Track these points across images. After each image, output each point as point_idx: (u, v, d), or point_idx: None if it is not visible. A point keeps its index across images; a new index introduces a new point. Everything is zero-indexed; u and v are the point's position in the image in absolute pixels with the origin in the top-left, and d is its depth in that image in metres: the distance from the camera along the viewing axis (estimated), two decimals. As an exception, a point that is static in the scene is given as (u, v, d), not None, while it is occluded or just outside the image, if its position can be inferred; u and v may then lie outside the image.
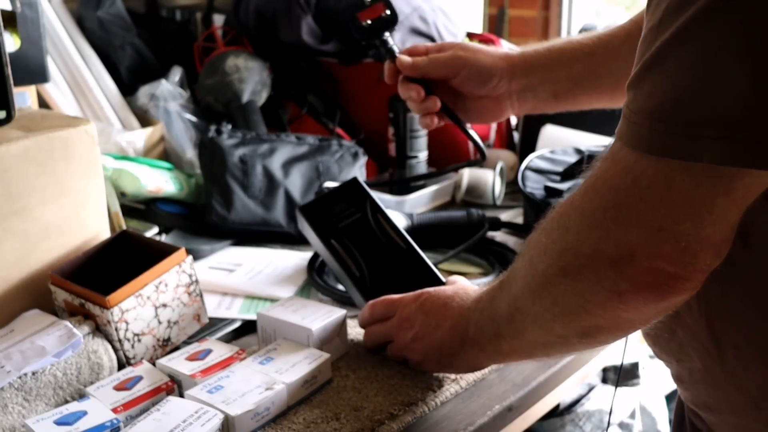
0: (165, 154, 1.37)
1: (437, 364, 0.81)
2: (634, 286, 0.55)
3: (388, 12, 0.95)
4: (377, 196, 1.20)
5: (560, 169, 1.19)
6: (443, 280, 0.90)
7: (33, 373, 0.75)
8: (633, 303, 0.56)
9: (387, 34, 0.95)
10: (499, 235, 1.18)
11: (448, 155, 1.40)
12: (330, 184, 1.08)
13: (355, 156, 1.28)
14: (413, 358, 0.83)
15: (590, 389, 1.52)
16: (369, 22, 0.95)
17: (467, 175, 1.37)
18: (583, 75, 0.92)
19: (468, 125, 0.99)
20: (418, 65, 0.93)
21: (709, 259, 0.53)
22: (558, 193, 1.09)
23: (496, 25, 2.58)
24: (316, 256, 1.08)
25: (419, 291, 0.83)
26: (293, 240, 1.17)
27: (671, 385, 1.85)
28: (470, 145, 1.45)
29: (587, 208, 0.57)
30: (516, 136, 1.54)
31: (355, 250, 0.94)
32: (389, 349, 0.85)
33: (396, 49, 0.94)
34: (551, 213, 0.62)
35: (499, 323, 0.71)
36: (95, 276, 0.86)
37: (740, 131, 0.47)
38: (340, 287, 1.01)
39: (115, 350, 0.83)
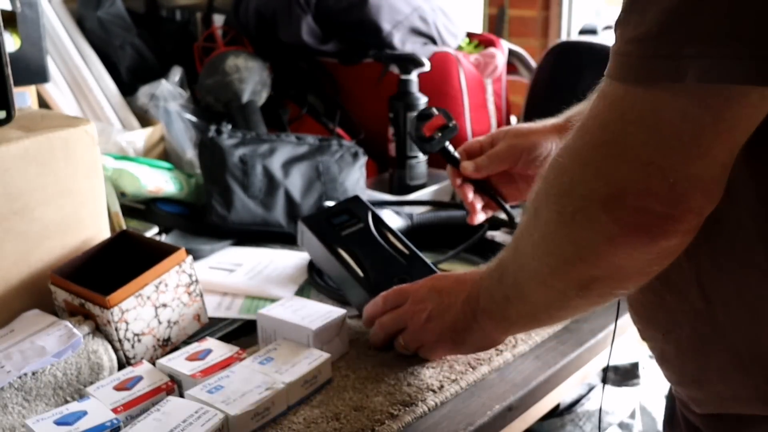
0: (165, 154, 1.37)
1: (452, 342, 0.82)
2: (624, 228, 0.55)
3: (450, 123, 0.98)
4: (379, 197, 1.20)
5: (560, 169, 1.19)
6: None
7: (33, 373, 0.75)
8: (624, 247, 0.56)
9: (448, 142, 0.98)
10: (499, 235, 1.18)
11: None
12: (330, 204, 1.09)
13: (355, 156, 1.28)
14: (427, 340, 0.83)
15: (590, 389, 1.52)
16: (438, 134, 0.97)
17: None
18: None
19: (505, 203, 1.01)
20: (480, 168, 0.95)
21: (699, 199, 0.54)
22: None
23: (496, 25, 2.58)
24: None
25: (430, 275, 0.85)
26: (293, 240, 1.17)
27: (671, 385, 1.84)
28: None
29: (579, 147, 0.57)
30: (516, 136, 1.54)
31: (359, 255, 0.94)
32: (402, 336, 0.85)
33: (458, 155, 0.98)
34: (550, 160, 0.62)
35: (506, 286, 0.72)
36: (95, 276, 0.86)
37: (725, 46, 0.48)
38: (341, 287, 1.01)
39: (115, 350, 0.83)
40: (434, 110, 0.98)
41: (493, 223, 1.15)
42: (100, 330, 0.83)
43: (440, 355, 0.85)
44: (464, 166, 0.96)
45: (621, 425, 1.53)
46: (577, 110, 0.94)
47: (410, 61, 1.33)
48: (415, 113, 1.31)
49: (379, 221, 0.99)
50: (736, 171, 0.54)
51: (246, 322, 0.96)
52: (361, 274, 0.92)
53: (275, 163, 1.22)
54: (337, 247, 0.96)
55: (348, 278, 0.93)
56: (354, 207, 1.01)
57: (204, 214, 1.19)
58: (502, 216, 1.03)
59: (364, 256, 0.94)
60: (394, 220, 1.10)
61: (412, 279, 0.90)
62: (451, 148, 0.98)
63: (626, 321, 0.99)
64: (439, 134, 0.97)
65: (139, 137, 1.33)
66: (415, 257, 0.94)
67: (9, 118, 0.87)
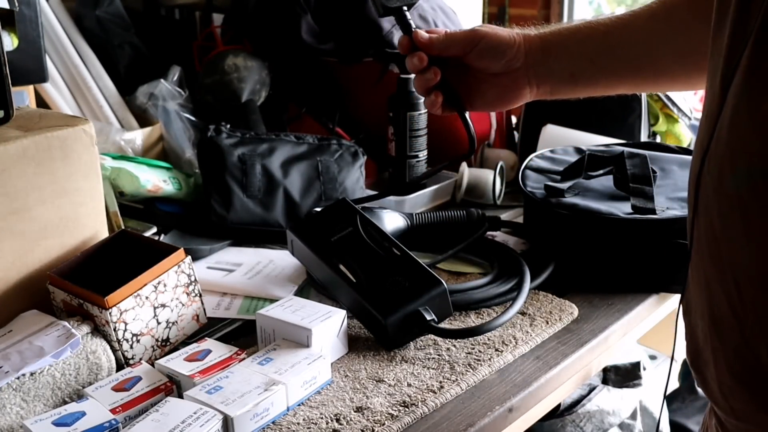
0: (164, 153, 1.37)
1: None
2: None
3: None
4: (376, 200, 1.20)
5: (561, 168, 1.19)
6: (441, 281, 0.90)
7: (31, 374, 0.75)
8: None
9: (405, 7, 0.94)
10: (499, 235, 1.18)
11: (449, 155, 1.39)
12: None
13: (355, 155, 1.28)
14: None
15: (591, 390, 1.52)
16: None
17: (467, 174, 1.37)
18: (599, 53, 0.89)
19: (467, 113, 0.96)
20: (434, 41, 0.92)
21: None
22: (559, 192, 1.09)
23: (496, 23, 2.58)
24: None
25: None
26: (293, 240, 1.17)
27: (672, 385, 1.85)
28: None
29: None
30: (516, 135, 1.54)
31: (350, 259, 0.94)
32: None
33: (413, 24, 0.93)
34: None
35: None
36: (94, 276, 0.86)
37: None
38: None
39: (114, 351, 0.83)
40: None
41: (493, 223, 1.15)
42: (98, 330, 0.82)
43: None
44: (418, 33, 0.92)
45: (622, 426, 1.53)
46: (548, 28, 0.92)
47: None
48: (414, 112, 1.31)
49: (368, 224, 0.98)
50: None
51: (245, 322, 0.96)
52: (353, 279, 0.92)
53: (274, 163, 1.22)
54: (327, 253, 0.96)
55: (340, 284, 0.93)
56: (342, 211, 1.00)
57: (203, 214, 1.19)
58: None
59: (355, 260, 0.94)
60: (393, 220, 1.10)
61: (405, 281, 0.90)
62: (408, 14, 0.94)
63: (626, 321, 0.99)
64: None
65: (138, 137, 1.33)
66: (408, 258, 0.93)
67: (7, 118, 0.87)
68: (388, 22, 1.43)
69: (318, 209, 1.06)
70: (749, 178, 0.56)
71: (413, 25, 0.94)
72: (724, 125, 0.59)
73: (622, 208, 1.04)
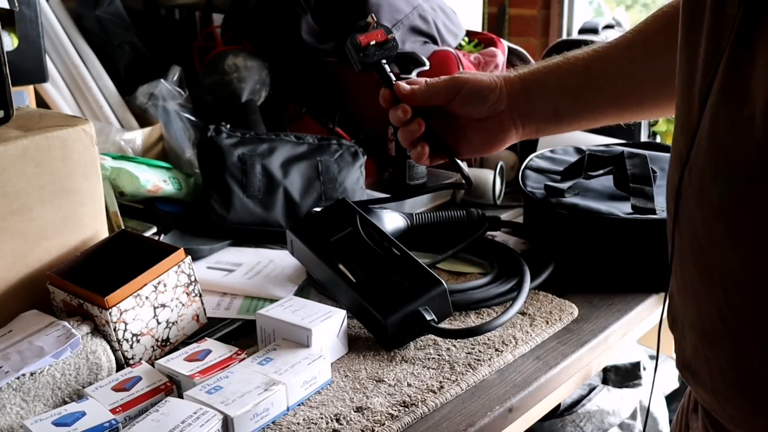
0: (164, 153, 1.37)
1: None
2: None
3: (389, 36, 0.93)
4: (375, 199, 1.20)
5: (561, 168, 1.19)
6: (441, 281, 0.90)
7: (31, 374, 0.75)
8: None
9: (384, 61, 0.94)
10: (499, 235, 1.18)
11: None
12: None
13: (355, 155, 1.27)
14: None
15: (591, 390, 1.52)
16: (371, 43, 0.93)
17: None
18: (581, 88, 0.90)
19: (455, 155, 0.95)
20: (416, 92, 0.91)
21: None
22: (559, 192, 1.09)
23: (496, 23, 2.58)
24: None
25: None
26: (293, 240, 1.17)
27: (672, 385, 1.85)
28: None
29: None
30: (516, 135, 1.53)
31: (350, 259, 0.94)
32: None
33: (393, 76, 0.93)
34: None
35: None
36: (94, 276, 0.86)
37: None
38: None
39: (114, 351, 0.83)
40: (373, 21, 0.93)
41: (493, 223, 1.15)
42: (98, 330, 0.82)
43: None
44: (399, 86, 0.91)
45: (622, 426, 1.53)
46: (527, 67, 0.92)
47: (410, 60, 1.33)
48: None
49: (367, 224, 0.98)
50: None
51: (245, 322, 0.96)
52: (353, 279, 0.92)
53: (274, 163, 1.22)
54: (327, 253, 0.95)
55: (340, 284, 0.93)
56: (341, 211, 1.00)
57: (203, 214, 1.19)
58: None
59: (355, 260, 0.93)
60: (393, 220, 1.10)
61: (405, 281, 0.90)
62: (387, 67, 0.93)
63: (626, 321, 0.99)
64: (375, 45, 0.92)
65: (138, 137, 1.33)
66: (407, 258, 0.93)
67: (7, 118, 0.87)
68: (387, 22, 1.43)
69: (317, 209, 1.06)
70: (733, 185, 0.57)
71: (393, 78, 0.93)
72: (704, 137, 0.59)
73: (622, 208, 1.04)
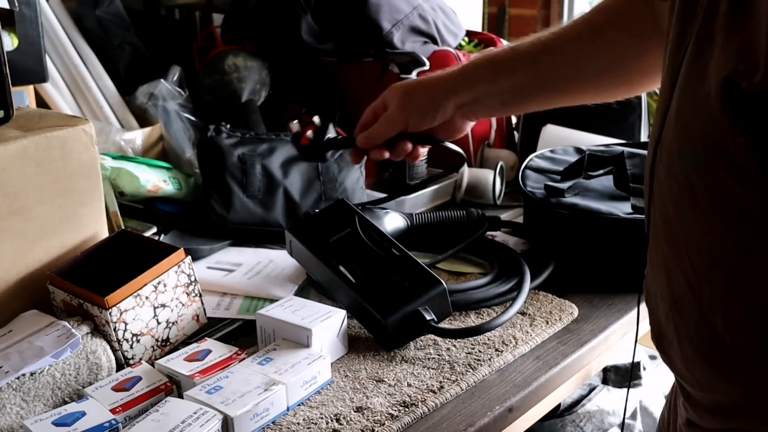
0: (164, 153, 1.37)
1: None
2: None
3: (316, 123, 1.02)
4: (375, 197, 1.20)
5: (561, 168, 1.19)
6: (440, 280, 0.90)
7: (31, 374, 0.75)
8: None
9: (330, 134, 1.02)
10: (499, 235, 1.18)
11: (448, 155, 1.39)
12: (332, 131, 1.08)
13: (355, 155, 1.27)
14: None
15: (591, 390, 1.52)
16: (309, 135, 1.02)
17: (467, 174, 1.37)
18: (528, 84, 0.95)
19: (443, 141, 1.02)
20: (373, 137, 0.98)
21: None
22: (559, 192, 1.09)
23: (496, 23, 2.58)
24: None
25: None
26: (293, 240, 1.17)
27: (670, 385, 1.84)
28: (470, 145, 1.45)
29: None
30: (516, 135, 1.53)
31: (349, 260, 0.94)
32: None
33: (341, 138, 1.01)
34: None
35: None
36: (94, 276, 0.85)
37: None
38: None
39: (114, 351, 0.83)
40: (294, 124, 1.03)
41: (493, 223, 1.15)
42: (98, 330, 0.82)
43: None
44: (359, 140, 0.98)
45: (622, 426, 1.53)
46: (474, 61, 0.96)
47: (410, 60, 1.33)
48: None
49: (366, 224, 0.98)
50: None
51: (245, 322, 0.96)
52: (353, 279, 0.92)
53: (274, 163, 1.22)
54: (326, 254, 0.95)
55: (340, 284, 0.93)
56: (340, 212, 1.00)
57: (203, 214, 1.19)
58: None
59: (354, 261, 0.93)
60: (393, 220, 1.10)
61: (405, 281, 0.90)
62: (332, 134, 1.01)
63: (627, 322, 0.99)
64: (314, 136, 1.01)
65: (138, 137, 1.33)
66: (407, 258, 0.93)
67: (7, 118, 0.87)
68: (387, 22, 1.43)
69: (314, 210, 1.07)
70: (693, 160, 0.60)
71: (351, 137, 1.00)
72: (672, 116, 0.63)
73: (622, 208, 1.04)
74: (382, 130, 0.98)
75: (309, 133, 1.02)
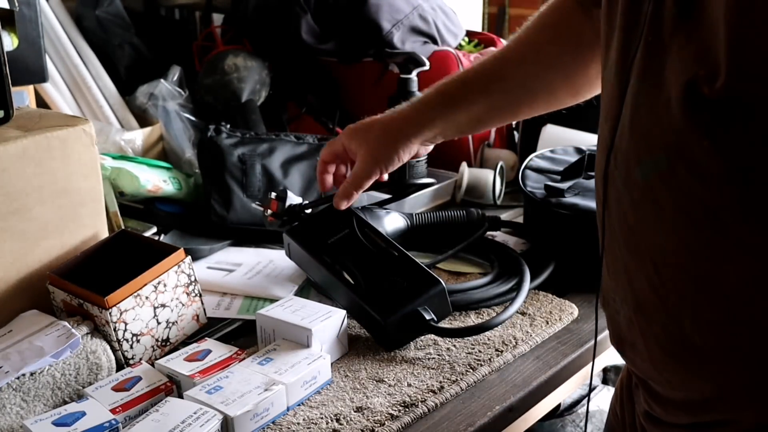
0: (164, 153, 1.37)
1: None
2: None
3: (278, 201, 1.05)
4: (376, 195, 1.20)
5: (561, 168, 1.19)
6: (439, 280, 0.90)
7: (31, 374, 0.75)
8: None
9: (296, 207, 1.04)
10: (499, 235, 1.18)
11: (448, 154, 1.39)
12: (292, 196, 1.09)
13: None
14: None
15: (591, 390, 1.52)
16: (275, 212, 1.05)
17: (467, 174, 1.37)
18: (483, 113, 0.97)
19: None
20: (351, 198, 0.99)
21: None
22: (559, 192, 1.09)
23: (496, 23, 2.58)
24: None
25: None
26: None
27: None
28: (470, 145, 1.45)
29: None
30: (516, 135, 1.53)
31: (347, 261, 0.94)
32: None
33: (313, 209, 1.04)
34: None
35: None
36: (94, 276, 0.85)
37: None
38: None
39: (114, 351, 0.83)
40: (263, 207, 1.06)
41: (493, 223, 1.15)
42: (98, 330, 0.82)
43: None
44: (339, 204, 0.99)
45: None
46: (425, 101, 0.96)
47: (410, 60, 1.33)
48: None
49: (364, 225, 0.98)
50: None
51: (245, 322, 0.96)
52: (351, 281, 0.92)
53: (274, 163, 1.22)
54: (324, 256, 0.95)
55: (339, 286, 0.93)
56: (338, 213, 1.01)
57: (203, 214, 1.19)
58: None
59: (352, 262, 0.93)
60: (393, 220, 1.10)
61: (403, 281, 0.90)
62: (295, 200, 1.05)
63: (627, 321, 0.99)
64: (279, 211, 1.04)
65: (138, 137, 1.33)
66: (405, 258, 0.93)
67: (7, 118, 0.87)
68: (387, 22, 1.43)
69: (309, 208, 1.07)
70: (655, 167, 0.61)
71: (328, 203, 1.02)
72: (626, 123, 0.64)
73: (622, 208, 1.04)
74: (360, 184, 0.98)
75: (271, 211, 1.06)
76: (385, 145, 0.96)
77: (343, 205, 0.99)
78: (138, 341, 0.84)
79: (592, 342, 0.93)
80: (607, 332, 0.95)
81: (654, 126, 0.60)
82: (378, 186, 1.04)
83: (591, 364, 0.88)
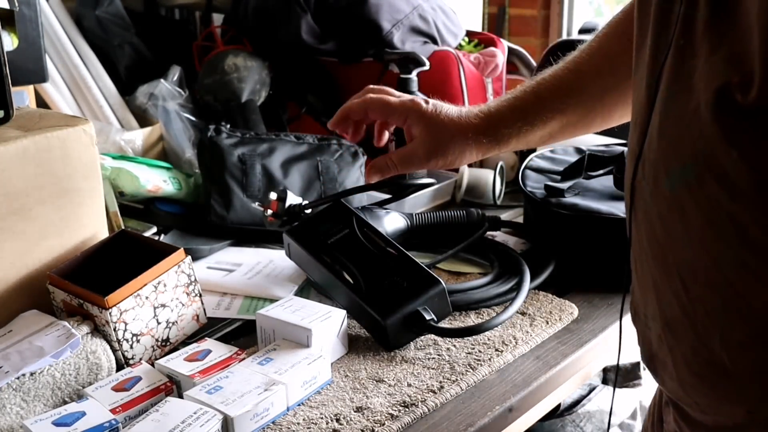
0: (164, 153, 1.37)
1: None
2: None
3: (277, 202, 1.06)
4: (376, 195, 1.20)
5: (561, 168, 1.19)
6: (439, 280, 0.90)
7: (31, 374, 0.75)
8: None
9: (299, 206, 1.05)
10: (499, 235, 1.18)
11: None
12: (292, 197, 1.09)
13: (355, 155, 1.28)
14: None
15: (591, 390, 1.52)
16: (276, 211, 1.06)
17: (467, 174, 1.37)
18: (557, 130, 0.92)
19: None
20: (388, 171, 0.94)
21: None
22: (559, 192, 1.09)
23: (496, 23, 2.58)
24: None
25: None
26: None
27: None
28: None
29: None
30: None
31: (347, 261, 0.94)
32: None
33: (317, 207, 1.05)
34: None
35: None
36: (94, 276, 0.86)
37: None
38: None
39: (114, 351, 0.83)
40: (263, 207, 1.07)
41: (493, 223, 1.15)
42: (98, 330, 0.82)
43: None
44: (370, 177, 0.94)
45: (622, 426, 1.53)
46: (497, 112, 0.91)
47: (410, 60, 1.33)
48: None
49: (364, 225, 0.98)
50: None
51: (245, 322, 0.96)
52: (351, 281, 0.92)
53: (274, 163, 1.22)
54: (325, 256, 0.95)
55: (339, 286, 0.93)
56: (338, 212, 1.00)
57: (203, 214, 1.19)
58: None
59: (352, 262, 0.93)
60: (393, 220, 1.10)
61: (403, 281, 0.90)
62: (296, 200, 1.06)
63: (628, 321, 0.99)
64: (279, 211, 1.05)
65: (138, 137, 1.33)
66: (405, 258, 0.93)
67: (7, 118, 0.87)
68: (387, 22, 1.43)
69: (309, 208, 1.07)
70: (683, 178, 0.58)
71: (324, 207, 1.04)
72: (654, 131, 0.61)
73: (622, 208, 1.04)
74: (406, 167, 0.93)
75: (271, 211, 1.06)
76: (454, 150, 0.90)
77: (375, 179, 0.94)
78: (138, 341, 0.84)
79: (593, 342, 0.93)
80: (607, 331, 0.95)
81: (682, 134, 0.58)
82: (378, 186, 1.04)
83: (615, 364, 0.86)
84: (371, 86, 0.97)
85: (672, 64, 0.59)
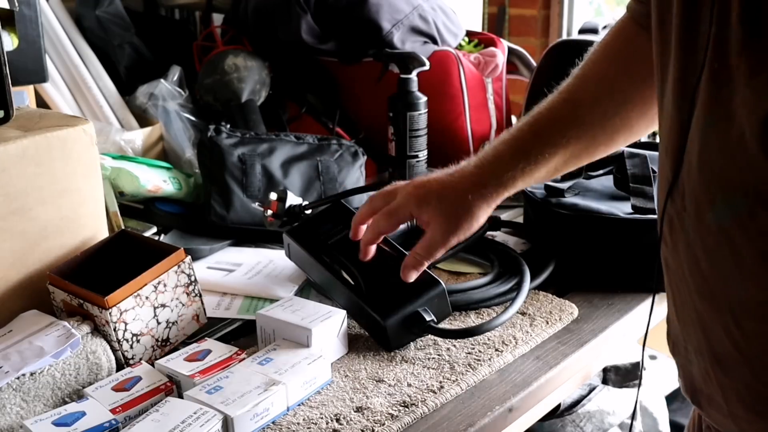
0: (164, 153, 1.37)
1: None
2: None
3: (278, 203, 1.07)
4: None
5: (560, 168, 1.19)
6: (439, 281, 0.90)
7: (31, 374, 0.75)
8: None
9: (300, 206, 1.06)
10: (499, 235, 1.18)
11: (448, 154, 1.39)
12: (292, 197, 1.09)
13: (355, 155, 1.28)
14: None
15: (591, 390, 1.52)
16: (275, 212, 1.07)
17: (467, 174, 1.36)
18: (561, 164, 0.88)
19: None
20: (421, 265, 0.89)
21: None
22: (558, 192, 1.09)
23: (496, 23, 2.58)
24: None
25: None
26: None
27: (672, 385, 1.85)
28: (470, 145, 1.45)
29: None
30: (516, 135, 1.53)
31: (347, 262, 0.94)
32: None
33: (317, 208, 1.07)
34: None
35: None
36: (94, 276, 0.86)
37: None
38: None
39: (114, 351, 0.83)
40: (263, 207, 1.08)
41: (493, 223, 1.15)
42: (98, 330, 0.82)
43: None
44: (407, 277, 0.88)
45: (621, 426, 1.53)
46: (496, 157, 0.87)
47: (410, 60, 1.33)
48: (414, 112, 1.30)
49: None
50: None
51: (245, 322, 0.96)
52: (351, 281, 0.92)
53: (274, 163, 1.22)
54: (324, 256, 0.95)
55: (339, 286, 0.93)
56: (338, 213, 1.00)
57: (203, 214, 1.19)
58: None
59: (352, 263, 0.93)
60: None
61: (403, 281, 0.90)
62: (296, 200, 1.07)
63: (627, 322, 0.99)
64: (279, 212, 1.06)
65: (138, 137, 1.33)
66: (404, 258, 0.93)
67: (7, 118, 0.87)
68: (387, 22, 1.43)
69: (309, 209, 1.07)
70: (731, 210, 0.55)
71: (324, 207, 1.05)
72: (693, 160, 0.58)
73: (622, 208, 1.04)
74: (434, 255, 0.88)
75: (271, 212, 1.07)
76: (464, 216, 0.86)
77: (412, 277, 0.88)
78: (138, 341, 0.84)
79: (593, 342, 0.93)
80: (607, 331, 0.95)
81: (727, 165, 0.55)
82: (378, 186, 1.04)
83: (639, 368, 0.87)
84: (372, 196, 0.92)
85: (707, 89, 0.55)
